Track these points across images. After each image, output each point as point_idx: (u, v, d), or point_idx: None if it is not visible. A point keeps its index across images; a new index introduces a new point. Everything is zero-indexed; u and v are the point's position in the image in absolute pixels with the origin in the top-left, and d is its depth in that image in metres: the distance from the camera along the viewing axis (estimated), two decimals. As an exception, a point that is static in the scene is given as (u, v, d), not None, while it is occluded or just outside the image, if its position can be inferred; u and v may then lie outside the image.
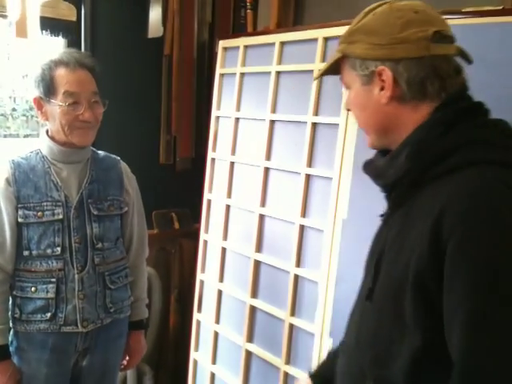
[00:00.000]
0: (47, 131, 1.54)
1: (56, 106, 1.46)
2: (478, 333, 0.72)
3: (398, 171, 0.85)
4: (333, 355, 1.25)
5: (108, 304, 1.57)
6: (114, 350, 1.65)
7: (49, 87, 1.46)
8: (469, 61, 0.90)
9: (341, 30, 1.54)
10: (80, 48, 2.10)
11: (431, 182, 0.82)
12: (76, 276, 1.50)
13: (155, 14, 2.23)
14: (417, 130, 0.86)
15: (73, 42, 2.10)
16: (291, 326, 1.68)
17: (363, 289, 0.96)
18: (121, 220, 1.64)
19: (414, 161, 0.83)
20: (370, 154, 1.46)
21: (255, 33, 2.09)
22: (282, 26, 2.21)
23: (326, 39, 1.60)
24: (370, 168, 0.96)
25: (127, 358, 1.75)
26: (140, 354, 1.79)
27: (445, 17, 0.90)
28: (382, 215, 0.99)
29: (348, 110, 0.99)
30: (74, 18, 2.06)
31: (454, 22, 1.19)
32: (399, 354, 0.82)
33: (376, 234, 1.00)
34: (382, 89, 0.87)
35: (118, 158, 1.69)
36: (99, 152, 1.67)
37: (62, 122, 1.46)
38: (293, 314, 1.67)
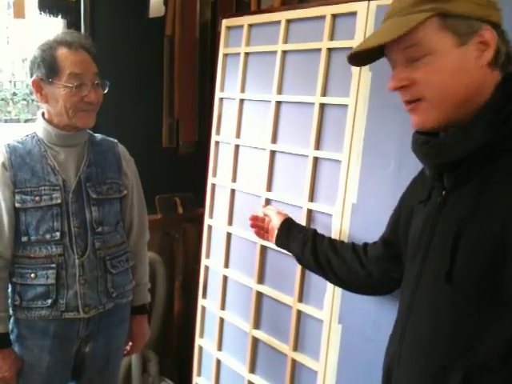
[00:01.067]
0: (43, 114, 1.50)
1: (60, 87, 1.42)
2: None
3: (473, 144, 0.82)
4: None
5: (110, 289, 1.55)
6: (117, 335, 1.64)
7: (51, 68, 1.42)
8: None
9: (349, 7, 1.49)
10: (80, 29, 2.05)
11: (506, 154, 0.81)
12: (76, 261, 1.48)
13: (156, -8, 2.17)
14: (493, 100, 0.83)
15: (72, 23, 2.04)
16: (299, 313, 1.64)
17: (427, 274, 0.91)
18: (120, 204, 1.62)
19: (494, 132, 0.81)
20: (380, 136, 1.42)
21: (260, 11, 2.02)
22: (286, 3, 2.14)
23: (335, 16, 1.54)
24: (431, 145, 0.90)
25: (130, 343, 1.74)
26: (143, 339, 1.78)
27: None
28: (426, 200, 0.96)
29: (400, 87, 0.89)
30: (73, -2, 2.00)
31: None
32: (492, 335, 0.79)
33: (426, 218, 0.95)
34: (482, 50, 0.84)
35: (116, 140, 1.67)
36: (96, 135, 1.64)
37: (67, 105, 1.43)
38: (300, 300, 1.64)
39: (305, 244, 1.39)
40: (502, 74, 0.86)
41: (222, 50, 1.96)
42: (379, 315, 1.41)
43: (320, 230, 1.58)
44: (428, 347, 0.88)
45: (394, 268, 1.18)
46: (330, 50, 1.55)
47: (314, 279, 1.60)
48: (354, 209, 1.48)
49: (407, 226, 1.06)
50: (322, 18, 1.57)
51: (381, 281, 1.25)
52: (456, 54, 0.84)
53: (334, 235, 1.52)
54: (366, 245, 1.30)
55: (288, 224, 1.48)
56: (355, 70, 1.46)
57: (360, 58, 0.96)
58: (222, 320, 1.97)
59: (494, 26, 0.84)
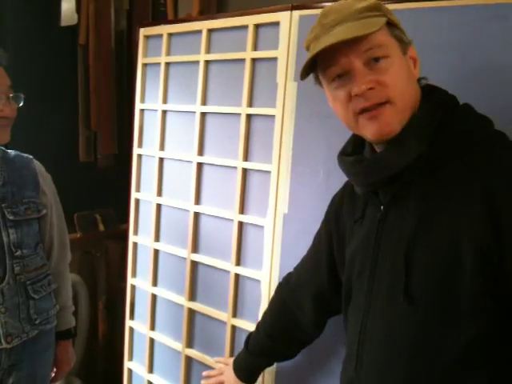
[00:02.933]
0: None
1: None
2: None
3: (408, 157, 0.83)
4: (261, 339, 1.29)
5: (32, 315, 1.45)
6: (42, 363, 1.53)
7: None
8: None
9: (272, 17, 1.49)
10: (-15, 38, 1.90)
11: (449, 163, 0.82)
12: None
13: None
14: (421, 114, 0.85)
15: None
16: (233, 328, 1.60)
17: (378, 291, 0.88)
18: (39, 224, 1.51)
19: (427, 144, 0.83)
20: (308, 145, 1.42)
21: (178, 20, 1.97)
22: (205, 13, 2.11)
23: (257, 26, 1.53)
24: (359, 167, 0.90)
25: (55, 369, 1.63)
26: (69, 364, 1.69)
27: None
28: (361, 218, 0.96)
29: (369, 89, 0.85)
30: (-25, 4, 1.86)
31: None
32: (452, 346, 0.79)
33: (366, 235, 0.94)
34: (414, 64, 0.90)
35: (31, 156, 1.56)
36: (9, 151, 1.53)
37: None
38: (234, 315, 1.60)
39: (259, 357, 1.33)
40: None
41: (140, 60, 1.89)
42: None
43: (251, 242, 1.56)
44: (388, 371, 0.87)
45: (334, 303, 1.14)
46: (254, 60, 1.53)
47: (248, 293, 1.58)
48: (285, 219, 1.47)
49: (342, 248, 1.06)
50: (245, 27, 1.55)
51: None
52: (404, 61, 0.87)
53: (266, 247, 1.50)
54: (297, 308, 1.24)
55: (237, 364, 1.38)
56: (281, 80, 1.45)
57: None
58: (152, 341, 1.89)
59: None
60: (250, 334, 1.36)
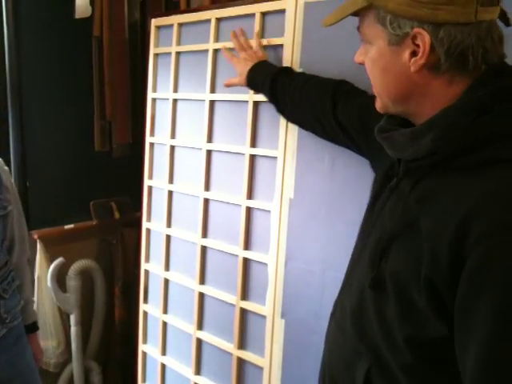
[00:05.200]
0: None
1: None
2: (495, 364, 0.64)
3: (418, 152, 0.76)
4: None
5: (3, 315, 1.43)
6: (20, 351, 1.52)
7: None
8: (508, 23, 0.77)
9: (278, 5, 1.51)
10: (2, 31, 1.95)
11: (455, 171, 0.73)
12: None
13: (82, -8, 2.10)
14: (448, 111, 0.75)
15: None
16: (242, 310, 1.64)
17: (361, 264, 0.87)
18: (2, 221, 1.46)
19: (441, 146, 0.73)
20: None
21: (189, 10, 2.00)
22: (216, 2, 2.13)
23: (264, 14, 1.55)
24: (384, 136, 0.85)
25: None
26: (41, 354, 1.71)
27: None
28: (386, 175, 0.90)
29: (360, 63, 0.86)
30: (-7, -1, 1.91)
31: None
32: (398, 342, 0.77)
33: (377, 197, 0.91)
34: (414, 54, 0.75)
35: None
36: None
37: None
38: (243, 297, 1.64)
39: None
40: (478, 74, 0.75)
41: (152, 50, 1.93)
42: (321, 306, 1.43)
43: (259, 227, 1.60)
44: (347, 329, 0.89)
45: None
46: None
47: (256, 276, 1.61)
48: (291, 204, 1.49)
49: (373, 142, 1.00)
50: (252, 15, 1.58)
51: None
52: (387, 52, 0.78)
53: (273, 232, 1.53)
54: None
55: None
56: (286, 65, 1.47)
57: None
58: (164, 324, 1.94)
59: (447, 24, 0.72)
60: (285, 73, 1.36)
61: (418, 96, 0.79)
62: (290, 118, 1.41)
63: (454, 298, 0.68)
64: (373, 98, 1.00)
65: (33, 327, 1.63)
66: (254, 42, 1.53)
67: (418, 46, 0.75)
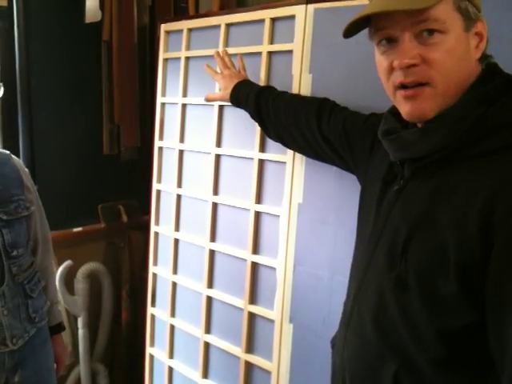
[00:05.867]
0: None
1: None
2: None
3: (431, 146, 0.78)
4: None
5: (32, 314, 1.45)
6: (44, 357, 1.54)
7: None
8: None
9: (288, 11, 1.52)
10: (13, 35, 1.97)
11: (465, 161, 0.77)
12: None
13: (92, -3, 2.12)
14: (457, 106, 0.78)
15: (5, 29, 1.96)
16: (250, 314, 1.65)
17: (376, 269, 0.88)
18: (26, 221, 1.47)
19: (455, 139, 0.76)
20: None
21: (199, 15, 2.01)
22: (225, 8, 2.15)
23: (273, 20, 1.56)
24: (392, 138, 0.86)
25: (54, 365, 1.63)
26: (66, 356, 1.71)
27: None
28: (386, 181, 0.92)
29: (414, 65, 0.78)
30: (5, 3, 1.92)
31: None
32: (428, 337, 0.78)
33: (381, 201, 0.92)
34: (480, 41, 0.80)
35: (8, 151, 1.48)
36: None
37: None
38: (251, 301, 1.64)
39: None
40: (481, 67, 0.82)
41: (161, 55, 1.95)
42: (329, 311, 1.44)
43: (267, 231, 1.60)
44: (368, 335, 0.89)
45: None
46: (270, 53, 1.57)
47: (264, 280, 1.62)
48: (300, 209, 1.50)
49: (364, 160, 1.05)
50: (261, 21, 1.59)
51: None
52: (463, 38, 0.78)
53: (281, 236, 1.54)
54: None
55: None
56: (296, 71, 1.49)
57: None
58: (172, 327, 1.95)
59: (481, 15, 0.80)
60: (268, 91, 1.40)
61: (465, 85, 0.80)
62: (273, 135, 1.40)
63: (486, 279, 0.71)
64: (355, 113, 1.12)
65: (58, 328, 1.64)
66: (238, 63, 1.56)
67: (478, 34, 0.79)
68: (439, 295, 0.76)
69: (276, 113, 1.33)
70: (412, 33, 0.77)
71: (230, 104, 1.68)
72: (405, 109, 0.82)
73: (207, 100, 1.59)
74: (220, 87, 1.53)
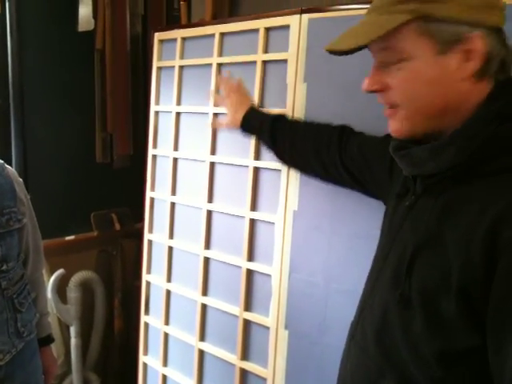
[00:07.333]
0: None
1: None
2: None
3: (440, 165, 0.76)
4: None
5: (20, 329, 1.41)
6: (32, 370, 1.51)
7: None
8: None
9: (282, 20, 1.54)
10: (6, 43, 1.97)
11: (476, 180, 0.75)
12: None
13: (85, 6, 2.12)
14: (470, 124, 0.75)
15: (-3, 37, 1.97)
16: (245, 321, 1.65)
17: (383, 283, 0.88)
18: (18, 233, 1.42)
19: (463, 158, 0.74)
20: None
21: (193, 24, 2.03)
22: (217, 17, 2.17)
23: (268, 29, 1.58)
24: (401, 154, 0.85)
25: (43, 377, 1.59)
26: (56, 368, 1.67)
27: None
28: (399, 194, 0.91)
29: (374, 91, 0.81)
30: (-3, 11, 1.93)
31: None
32: (429, 357, 0.78)
33: (394, 218, 0.91)
34: (466, 60, 0.74)
35: (1, 161, 1.43)
36: None
37: None
38: (246, 308, 1.65)
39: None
40: (492, 83, 0.77)
41: (155, 64, 1.96)
42: (325, 318, 1.45)
43: (262, 238, 1.61)
44: (369, 349, 0.89)
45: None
46: (264, 62, 1.59)
47: (259, 287, 1.63)
48: (295, 216, 1.52)
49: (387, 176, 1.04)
50: (256, 31, 1.60)
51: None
52: (434, 62, 0.76)
53: (276, 243, 1.55)
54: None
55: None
56: (291, 81, 1.50)
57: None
58: (166, 335, 1.95)
59: (491, 29, 0.74)
60: (283, 120, 1.37)
61: (457, 106, 0.78)
62: (290, 162, 1.40)
63: (488, 303, 0.70)
64: (371, 136, 1.10)
65: (47, 340, 1.61)
66: (242, 86, 1.54)
67: (468, 51, 0.74)
68: (441, 316, 0.75)
69: (293, 143, 1.32)
70: (378, 58, 0.80)
71: (224, 112, 1.70)
72: (388, 126, 0.85)
73: (214, 127, 1.56)
74: (229, 112, 1.48)
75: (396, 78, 0.78)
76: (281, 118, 1.38)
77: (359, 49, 0.81)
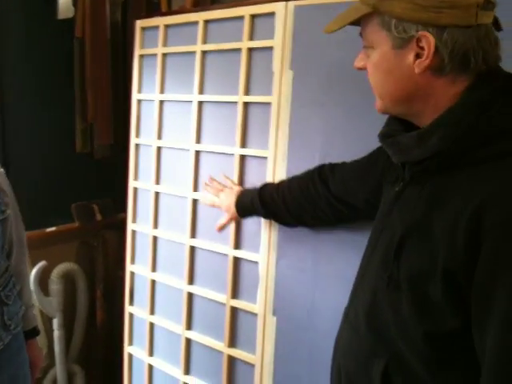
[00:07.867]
0: None
1: None
2: None
3: (426, 152, 0.80)
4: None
5: (7, 322, 1.38)
6: (20, 363, 1.48)
7: None
8: (499, 28, 0.82)
9: (268, 7, 1.54)
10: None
11: (462, 168, 0.77)
12: None
13: (64, -8, 2.08)
14: (451, 110, 0.79)
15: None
16: (233, 309, 1.66)
17: (373, 266, 0.91)
18: (1, 225, 1.39)
19: (447, 145, 0.77)
20: (304, 132, 1.47)
21: (176, 11, 2.00)
22: (199, 4, 2.15)
23: (253, 16, 1.58)
24: (389, 141, 0.89)
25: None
26: (41, 360, 1.66)
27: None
28: (390, 182, 0.94)
29: (360, 68, 0.90)
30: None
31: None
32: (417, 337, 0.81)
33: (385, 204, 0.95)
34: (418, 56, 0.79)
35: None
36: None
37: None
38: (234, 296, 1.66)
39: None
40: (469, 79, 0.79)
41: (137, 52, 1.93)
42: (313, 303, 1.46)
43: (249, 226, 1.62)
44: (361, 329, 0.92)
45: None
46: (250, 49, 1.58)
47: (246, 274, 1.63)
48: (282, 203, 1.52)
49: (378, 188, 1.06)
50: (241, 18, 1.60)
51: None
52: (393, 55, 0.82)
53: (263, 229, 1.56)
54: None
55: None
56: (277, 68, 1.50)
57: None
58: (151, 325, 1.94)
59: (442, 29, 0.76)
60: (267, 186, 1.45)
61: (421, 96, 0.82)
62: (294, 221, 1.42)
63: (472, 286, 0.73)
64: (354, 160, 1.18)
65: (33, 332, 1.58)
66: (227, 182, 1.62)
67: (422, 48, 0.79)
68: (428, 300, 0.79)
69: (284, 201, 1.37)
70: (363, 42, 0.88)
71: (209, 100, 1.70)
72: None
73: (219, 230, 1.63)
74: (224, 210, 1.57)
75: (368, 63, 0.87)
76: (264, 186, 1.45)
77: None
